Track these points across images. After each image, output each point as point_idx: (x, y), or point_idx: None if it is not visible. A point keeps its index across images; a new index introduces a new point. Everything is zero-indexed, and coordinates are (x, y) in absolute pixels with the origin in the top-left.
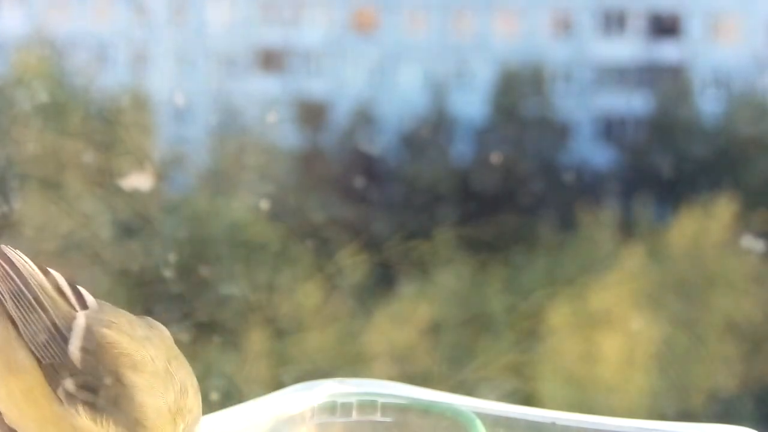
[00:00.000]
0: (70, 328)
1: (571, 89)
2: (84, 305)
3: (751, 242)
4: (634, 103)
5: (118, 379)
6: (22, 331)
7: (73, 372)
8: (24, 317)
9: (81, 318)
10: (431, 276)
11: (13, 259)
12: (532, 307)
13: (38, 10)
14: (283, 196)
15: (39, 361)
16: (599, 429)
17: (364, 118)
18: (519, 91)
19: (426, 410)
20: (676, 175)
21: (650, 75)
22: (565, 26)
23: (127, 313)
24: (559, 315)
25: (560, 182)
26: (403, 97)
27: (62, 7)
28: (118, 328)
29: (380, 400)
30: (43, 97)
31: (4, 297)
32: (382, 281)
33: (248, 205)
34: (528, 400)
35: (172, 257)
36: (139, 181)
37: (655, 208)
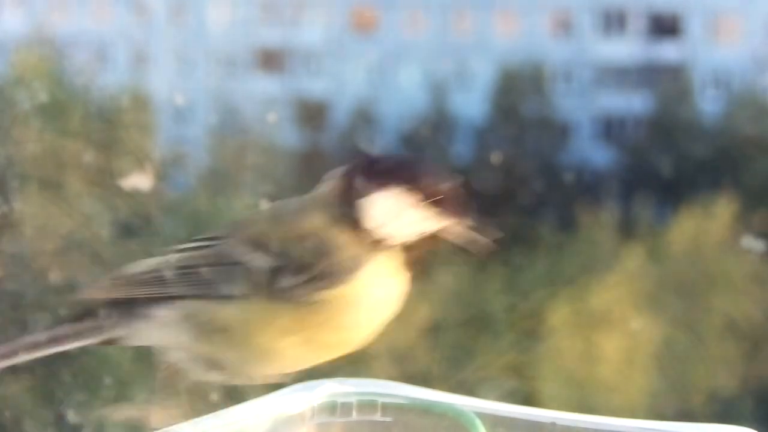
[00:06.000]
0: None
1: (571, 89)
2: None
3: (751, 242)
4: (634, 103)
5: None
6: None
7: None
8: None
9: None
10: (431, 276)
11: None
12: (532, 307)
13: (38, 10)
14: (283, 196)
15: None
16: (599, 429)
17: (364, 118)
18: (519, 91)
19: (426, 410)
20: (676, 175)
21: (650, 75)
22: (565, 26)
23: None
24: (559, 315)
25: (560, 182)
26: (403, 97)
27: (62, 7)
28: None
29: (380, 400)
30: (43, 97)
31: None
32: None
33: (248, 205)
34: (528, 400)
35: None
36: (139, 181)
37: (655, 208)
